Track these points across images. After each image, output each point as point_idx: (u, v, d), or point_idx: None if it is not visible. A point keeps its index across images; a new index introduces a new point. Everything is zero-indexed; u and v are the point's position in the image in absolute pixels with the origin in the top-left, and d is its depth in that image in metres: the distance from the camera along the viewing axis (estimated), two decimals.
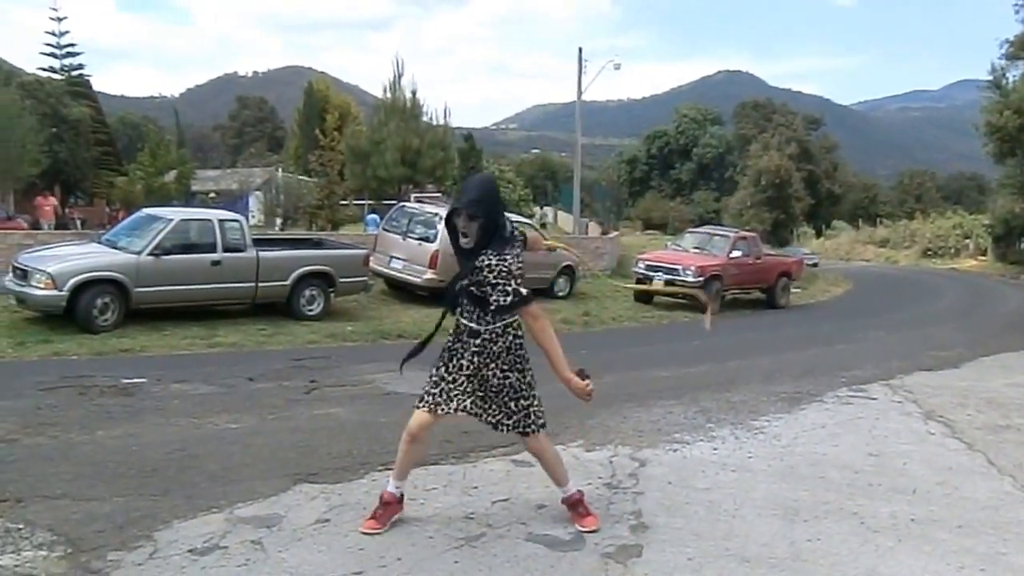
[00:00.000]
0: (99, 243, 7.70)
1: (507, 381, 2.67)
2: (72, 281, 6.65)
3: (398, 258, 10.05)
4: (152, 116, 57.76)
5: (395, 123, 18.43)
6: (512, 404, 2.68)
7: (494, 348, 2.65)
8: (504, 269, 2.57)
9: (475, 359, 2.66)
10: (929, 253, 34.18)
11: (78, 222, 19.72)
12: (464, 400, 2.68)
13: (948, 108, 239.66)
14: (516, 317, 2.67)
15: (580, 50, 21.49)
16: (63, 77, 26.40)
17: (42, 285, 6.64)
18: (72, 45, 27.23)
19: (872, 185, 55.77)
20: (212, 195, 27.40)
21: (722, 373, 6.46)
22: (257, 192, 26.80)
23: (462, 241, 2.62)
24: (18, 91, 21.33)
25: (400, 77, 19.05)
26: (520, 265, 2.64)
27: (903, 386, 6.02)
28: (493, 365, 2.66)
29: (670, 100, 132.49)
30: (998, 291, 18.91)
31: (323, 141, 21.28)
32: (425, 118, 19.17)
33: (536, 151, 73.96)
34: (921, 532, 3.02)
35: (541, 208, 44.49)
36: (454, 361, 2.70)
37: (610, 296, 12.39)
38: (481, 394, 2.69)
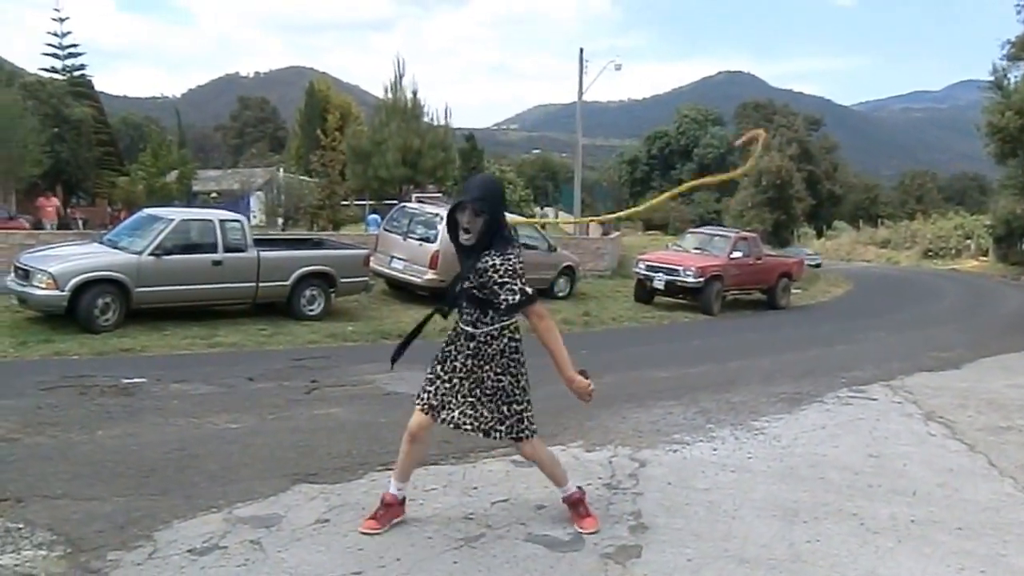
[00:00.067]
0: (100, 243, 7.71)
1: (500, 384, 2.65)
2: (73, 281, 6.67)
3: (399, 258, 10.05)
4: (154, 116, 57.82)
5: (396, 123, 18.45)
6: (505, 408, 2.66)
7: (489, 351, 2.64)
8: (510, 268, 2.57)
9: (469, 362, 2.66)
10: (930, 254, 34.16)
11: (80, 222, 19.77)
12: (456, 408, 2.67)
13: (950, 109, 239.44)
14: (514, 320, 2.66)
15: (581, 51, 21.52)
16: (65, 78, 26.46)
17: (43, 285, 6.65)
18: (74, 46, 27.32)
19: (873, 186, 55.75)
20: (214, 195, 27.45)
21: (722, 374, 6.45)
22: (258, 192, 26.84)
23: (463, 237, 2.61)
24: (20, 91, 21.39)
25: (401, 77, 19.09)
26: (522, 264, 2.65)
27: (904, 387, 6.01)
28: (487, 368, 2.65)
29: (671, 101, 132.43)
30: (999, 292, 18.89)
31: (324, 141, 21.30)
32: (426, 118, 19.20)
33: (537, 151, 73.95)
34: (921, 533, 3.01)
35: (542, 208, 44.48)
36: (448, 363, 2.71)
37: (610, 296, 12.39)
38: (472, 399, 2.67)
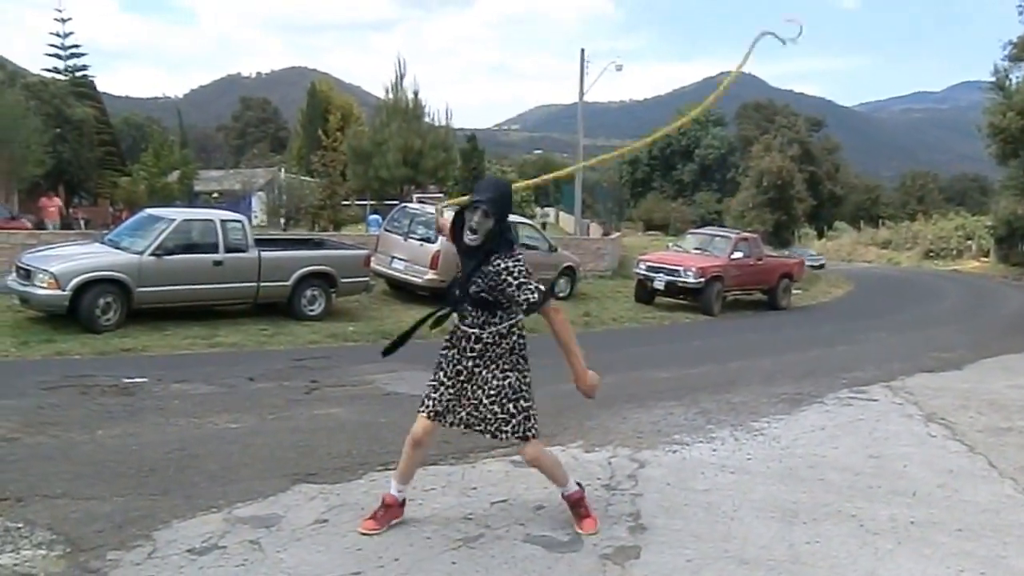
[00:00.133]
0: (102, 243, 7.72)
1: (507, 381, 2.66)
2: (75, 281, 6.68)
3: (399, 258, 10.06)
4: (156, 117, 57.89)
5: (397, 124, 18.47)
6: (511, 406, 2.66)
7: (497, 350, 2.65)
8: (522, 269, 2.61)
9: (473, 363, 2.66)
10: (931, 254, 34.11)
11: (82, 222, 19.79)
12: (463, 409, 2.68)
13: (951, 109, 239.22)
14: (520, 318, 2.68)
15: (582, 51, 21.51)
16: (67, 78, 26.51)
17: (45, 285, 6.67)
18: (76, 46, 27.39)
19: (874, 186, 55.71)
20: (215, 195, 27.49)
21: (722, 374, 6.45)
22: (260, 192, 26.87)
23: (469, 238, 2.59)
24: (22, 92, 21.43)
25: (402, 78, 19.11)
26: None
27: (904, 388, 6.01)
28: (494, 367, 2.65)
29: (672, 101, 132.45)
30: (1000, 293, 18.86)
31: (326, 142, 21.32)
32: (427, 119, 19.22)
33: (538, 152, 74.02)
34: (921, 535, 3.01)
35: (542, 208, 44.48)
36: (451, 367, 2.69)
37: (611, 297, 12.39)
38: (476, 401, 2.67)
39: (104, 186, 25.47)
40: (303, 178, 25.92)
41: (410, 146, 18.07)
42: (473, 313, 2.65)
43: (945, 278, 24.10)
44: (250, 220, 11.89)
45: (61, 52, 27.08)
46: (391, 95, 19.22)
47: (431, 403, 2.71)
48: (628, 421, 4.58)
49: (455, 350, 2.71)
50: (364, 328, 8.09)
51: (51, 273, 6.67)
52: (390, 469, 3.42)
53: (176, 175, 25.54)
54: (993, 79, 22.19)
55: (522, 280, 2.58)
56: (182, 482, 3.18)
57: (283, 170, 29.73)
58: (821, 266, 25.27)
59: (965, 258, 32.36)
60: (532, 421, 2.71)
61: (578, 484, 2.88)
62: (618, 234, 22.46)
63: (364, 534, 2.70)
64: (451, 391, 2.69)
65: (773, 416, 4.88)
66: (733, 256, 12.18)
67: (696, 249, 12.68)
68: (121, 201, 24.06)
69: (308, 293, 8.28)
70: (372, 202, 21.69)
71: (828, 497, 3.39)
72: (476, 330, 2.64)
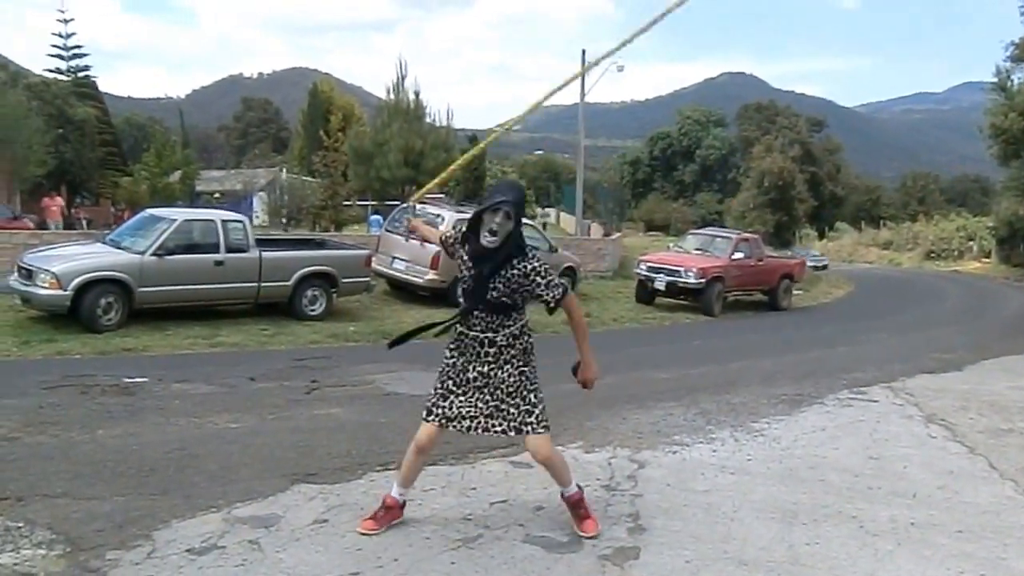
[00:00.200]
0: (103, 243, 7.74)
1: (523, 376, 2.67)
2: (76, 281, 6.69)
3: (400, 259, 10.07)
4: (158, 117, 57.99)
5: (398, 124, 18.49)
6: (531, 396, 2.67)
7: (511, 351, 2.64)
8: (547, 267, 2.65)
9: (488, 368, 2.64)
10: (932, 255, 34.07)
11: (84, 222, 19.83)
12: (480, 414, 2.65)
13: (952, 110, 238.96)
14: (528, 317, 2.70)
15: (583, 52, 21.50)
16: (69, 78, 26.56)
17: (47, 285, 6.68)
18: (78, 46, 27.43)
19: (875, 187, 55.68)
20: (217, 195, 27.53)
21: (723, 375, 6.45)
22: (261, 193, 26.90)
23: (488, 240, 2.56)
24: (25, 92, 21.47)
25: (403, 79, 19.13)
26: None
27: (904, 389, 6.00)
28: (508, 367, 2.65)
29: (673, 102, 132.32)
30: (1001, 294, 18.83)
31: (327, 142, 21.36)
32: (428, 119, 19.23)
33: (539, 152, 74.02)
34: (921, 536, 3.01)
35: (543, 209, 44.51)
36: (460, 376, 2.66)
37: (611, 297, 12.39)
38: (496, 403, 2.65)
39: (106, 186, 25.52)
40: (304, 178, 25.95)
41: (411, 146, 18.08)
42: (486, 319, 2.62)
43: (946, 279, 24.06)
44: (251, 220, 11.91)
45: (63, 52, 27.15)
46: (392, 95, 19.23)
47: (440, 411, 2.67)
48: (628, 422, 4.58)
49: (463, 358, 2.66)
50: (365, 328, 8.09)
51: (53, 273, 6.68)
52: (389, 469, 3.43)
53: (178, 175, 25.58)
54: (995, 80, 22.18)
55: (549, 279, 2.63)
56: (182, 482, 3.18)
57: (284, 170, 29.77)
58: (824, 267, 25.24)
59: (966, 259, 32.31)
60: (546, 413, 2.72)
61: (577, 485, 2.88)
62: (619, 234, 22.45)
63: (363, 534, 2.70)
64: (462, 399, 2.66)
65: (773, 417, 4.88)
66: (734, 257, 12.18)
67: (697, 250, 12.68)
68: (123, 201, 24.10)
69: (309, 293, 8.28)
70: (373, 202, 21.71)
71: (828, 498, 3.39)
72: (489, 334, 2.62)
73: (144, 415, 4.25)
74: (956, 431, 4.70)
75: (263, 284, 7.94)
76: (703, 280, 11.38)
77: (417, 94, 19.13)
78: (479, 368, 2.64)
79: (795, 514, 3.17)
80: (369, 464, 3.54)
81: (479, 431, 2.67)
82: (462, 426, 2.66)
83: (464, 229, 2.70)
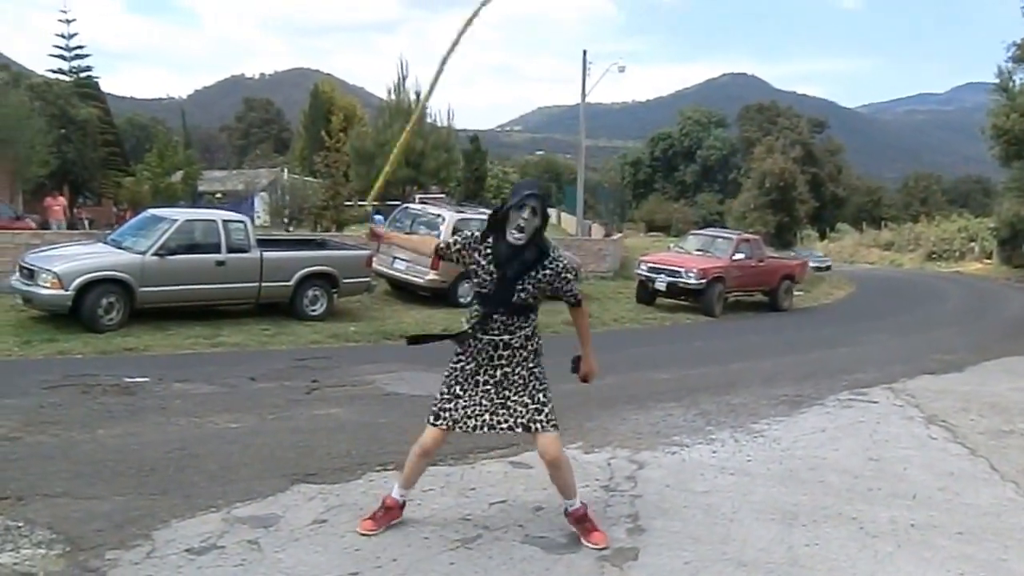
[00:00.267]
0: (105, 243, 7.75)
1: (532, 375, 2.67)
2: (78, 281, 6.70)
3: (401, 259, 10.08)
4: (160, 117, 58.13)
5: (399, 125, 18.53)
6: (540, 395, 2.66)
7: (523, 352, 2.64)
8: (568, 265, 2.68)
9: (501, 371, 2.63)
10: (934, 256, 34.03)
11: (86, 222, 19.88)
12: (486, 412, 2.64)
13: (954, 111, 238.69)
14: (536, 317, 2.71)
15: (584, 53, 21.54)
16: (71, 79, 26.64)
17: (48, 284, 6.69)
18: (81, 47, 27.52)
19: (877, 188, 55.62)
20: (218, 196, 27.58)
21: (723, 375, 6.44)
22: (263, 193, 26.93)
23: (514, 237, 2.51)
24: (27, 93, 21.53)
25: (404, 79, 19.18)
26: None
27: (905, 390, 5.99)
28: (520, 367, 2.65)
29: (674, 102, 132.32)
30: (1003, 294, 18.79)
31: (328, 142, 21.37)
32: (429, 120, 19.26)
33: (540, 153, 74.08)
34: (921, 538, 3.00)
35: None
36: (470, 379, 2.64)
37: (612, 298, 12.38)
38: (501, 400, 2.64)
39: (108, 186, 25.58)
40: (306, 179, 25.99)
41: (412, 147, 18.11)
42: (505, 321, 2.60)
43: (947, 280, 24.03)
44: (253, 220, 11.91)
45: (65, 53, 27.23)
46: (393, 96, 19.27)
47: (447, 415, 2.65)
48: (628, 422, 4.57)
49: (474, 362, 2.64)
50: (366, 328, 8.10)
51: (54, 273, 6.69)
52: (389, 470, 3.43)
53: (180, 175, 25.64)
54: (997, 80, 22.14)
55: (571, 276, 2.70)
56: (182, 482, 3.19)
57: (286, 171, 29.82)
58: (828, 267, 25.19)
59: (968, 260, 32.26)
60: (555, 414, 2.71)
61: (580, 502, 2.83)
62: (620, 235, 22.45)
63: (363, 534, 2.70)
64: (469, 399, 2.64)
65: (773, 418, 4.87)
66: (735, 257, 12.16)
67: (698, 250, 12.67)
68: (125, 201, 24.15)
69: (310, 293, 8.29)
70: (374, 202, 21.67)
71: (828, 499, 3.38)
72: (505, 337, 2.60)
73: (145, 415, 4.25)
74: (957, 432, 4.69)
75: (264, 284, 7.95)
76: (704, 281, 11.37)
77: (418, 94, 19.18)
78: (490, 371, 2.63)
79: (795, 515, 3.16)
80: (369, 464, 3.54)
81: (485, 429, 2.65)
82: (468, 426, 2.65)
83: (479, 231, 2.65)
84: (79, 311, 6.75)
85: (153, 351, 6.32)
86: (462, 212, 10.83)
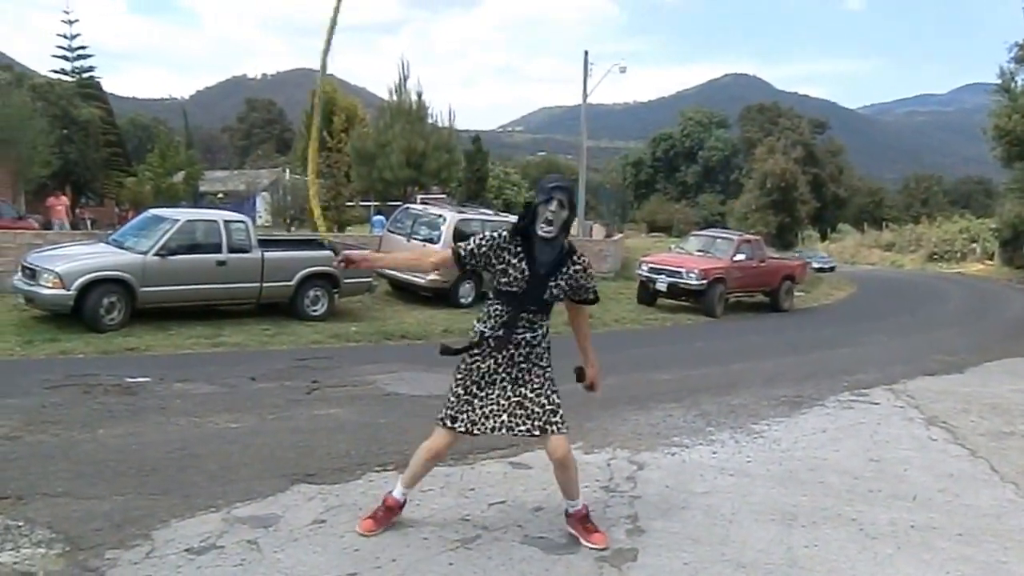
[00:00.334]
0: (106, 243, 7.77)
1: (546, 374, 2.67)
2: (79, 281, 6.72)
3: None
4: (162, 118, 58.25)
5: (400, 125, 18.52)
6: (554, 397, 2.66)
7: (538, 350, 2.65)
8: (589, 262, 2.70)
9: (518, 370, 2.62)
10: (935, 257, 34.01)
11: (88, 222, 19.91)
12: (504, 413, 2.62)
13: (956, 112, 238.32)
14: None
15: (586, 53, 21.57)
16: (74, 79, 26.68)
17: (50, 284, 6.71)
18: (83, 47, 27.55)
19: (878, 189, 55.60)
20: (220, 196, 27.64)
21: (723, 376, 6.44)
22: (264, 193, 27.00)
23: (544, 230, 2.51)
24: (29, 93, 21.57)
25: (406, 80, 19.16)
26: None
27: (906, 391, 5.98)
28: (537, 368, 2.65)
29: (676, 103, 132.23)
30: (1004, 295, 18.76)
31: (330, 143, 21.39)
32: (430, 120, 19.26)
33: (542, 153, 74.11)
34: (921, 539, 3.00)
35: None
36: (486, 378, 2.62)
37: (613, 298, 12.37)
38: (518, 400, 2.62)
39: (110, 186, 25.63)
40: (307, 179, 25.98)
41: (413, 148, 18.12)
42: (531, 320, 2.60)
43: (949, 281, 23.99)
44: (254, 221, 11.94)
45: (68, 53, 27.26)
46: (394, 97, 19.27)
47: (464, 417, 2.62)
48: (628, 423, 4.57)
49: (491, 361, 2.61)
50: (367, 328, 8.10)
51: (56, 273, 6.71)
52: (388, 470, 3.44)
53: (181, 176, 25.70)
54: (999, 81, 22.11)
55: (591, 272, 2.71)
56: (181, 482, 3.19)
57: (288, 171, 29.84)
58: (832, 268, 25.13)
59: (969, 261, 32.23)
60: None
61: (583, 503, 2.82)
62: (621, 236, 22.47)
63: (362, 535, 2.70)
64: (484, 400, 2.62)
65: (773, 419, 4.87)
66: (736, 258, 12.16)
67: (699, 251, 12.66)
68: (127, 201, 24.21)
69: (311, 293, 8.31)
70: (376, 203, 21.75)
71: (828, 501, 3.38)
72: (527, 335, 2.61)
73: (145, 415, 4.26)
74: (957, 434, 4.68)
75: (265, 284, 7.96)
76: (705, 281, 11.37)
77: (419, 95, 19.17)
78: (508, 369, 2.62)
79: (794, 516, 3.16)
80: (368, 465, 3.54)
81: (503, 431, 2.63)
82: (486, 427, 2.62)
83: (504, 231, 2.62)
84: (81, 311, 6.77)
85: (154, 351, 6.33)
86: (463, 212, 10.83)
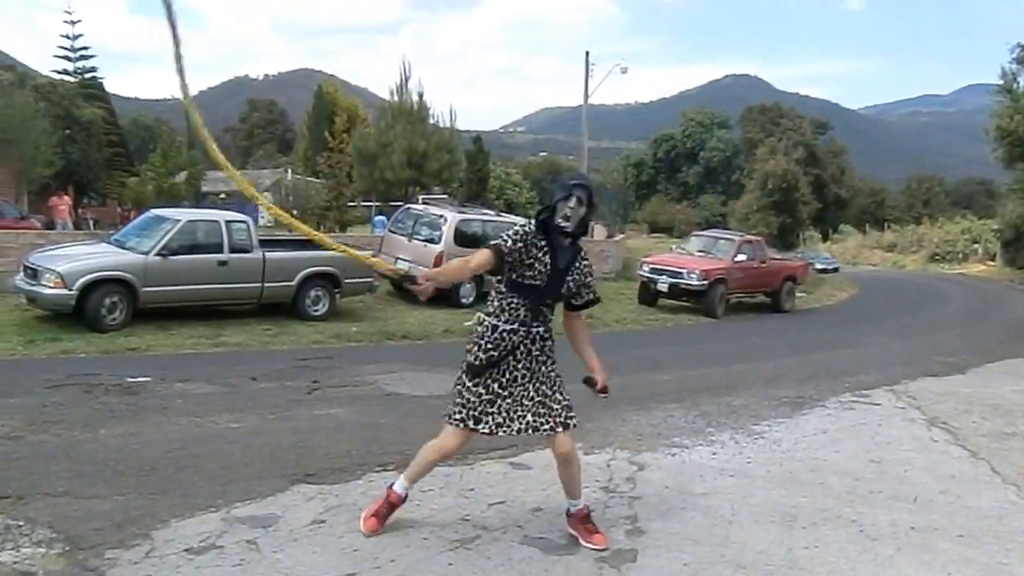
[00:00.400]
0: (108, 243, 7.79)
1: (554, 371, 2.70)
2: (81, 280, 6.73)
3: (404, 259, 10.08)
4: (164, 118, 58.35)
5: (402, 126, 18.56)
6: (565, 392, 2.69)
7: (549, 343, 2.70)
8: (591, 264, 2.75)
9: (534, 363, 2.65)
10: (937, 258, 33.96)
11: (91, 222, 19.95)
12: (528, 412, 2.62)
13: (957, 113, 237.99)
14: None
15: (587, 54, 21.57)
16: (76, 80, 26.74)
17: (52, 284, 6.72)
18: (85, 48, 27.62)
19: (880, 190, 55.49)
20: (222, 196, 27.66)
21: (724, 377, 6.43)
22: (266, 193, 26.99)
23: (564, 225, 2.56)
24: (32, 93, 21.62)
25: (407, 80, 19.21)
26: None
27: (907, 392, 5.97)
28: (548, 363, 2.69)
29: (677, 104, 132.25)
30: (1006, 296, 18.72)
31: (332, 143, 21.44)
32: (432, 121, 19.29)
33: (543, 154, 74.13)
34: (921, 541, 2.99)
35: None
36: (507, 375, 2.62)
37: (614, 299, 12.36)
38: (540, 398, 2.64)
39: (112, 186, 25.68)
40: (309, 179, 26.05)
41: (415, 148, 18.15)
42: (547, 314, 2.67)
43: (950, 281, 23.94)
44: (256, 221, 11.94)
45: (70, 54, 27.33)
46: (396, 97, 19.31)
47: (489, 419, 2.60)
48: (628, 423, 4.57)
49: (511, 356, 2.61)
50: (368, 328, 8.11)
51: (58, 273, 6.73)
52: (388, 470, 3.44)
53: (184, 176, 25.73)
54: (1000, 82, 22.08)
55: (592, 271, 2.76)
56: (181, 481, 3.19)
57: (289, 171, 29.92)
58: (835, 269, 25.08)
59: (971, 262, 32.17)
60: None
61: (584, 503, 2.82)
62: (622, 236, 22.45)
63: (365, 534, 2.69)
64: (509, 400, 2.62)
65: (774, 420, 4.86)
66: (737, 259, 12.15)
67: (700, 251, 12.65)
68: (129, 201, 24.26)
69: (312, 293, 8.31)
70: (377, 203, 21.79)
71: (828, 502, 3.37)
72: (542, 330, 2.66)
73: (146, 414, 4.27)
74: (959, 435, 4.67)
75: (266, 284, 7.97)
76: (706, 282, 11.35)
77: (420, 95, 19.22)
78: (526, 365, 2.63)
79: (794, 518, 3.16)
80: (368, 465, 3.54)
81: (529, 431, 2.64)
82: (512, 429, 2.62)
83: (526, 227, 2.60)
84: (82, 311, 6.78)
85: (155, 351, 6.34)
86: (464, 213, 10.84)
